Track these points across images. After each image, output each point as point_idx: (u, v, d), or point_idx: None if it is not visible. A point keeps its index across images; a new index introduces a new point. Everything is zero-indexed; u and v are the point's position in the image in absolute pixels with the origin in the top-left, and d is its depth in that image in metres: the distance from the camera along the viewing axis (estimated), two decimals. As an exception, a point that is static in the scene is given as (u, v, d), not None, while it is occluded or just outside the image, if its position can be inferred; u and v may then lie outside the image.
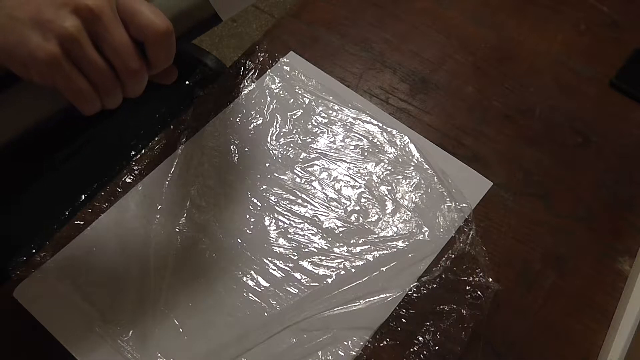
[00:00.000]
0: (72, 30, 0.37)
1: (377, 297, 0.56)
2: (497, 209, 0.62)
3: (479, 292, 0.57)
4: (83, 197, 0.61)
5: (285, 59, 0.71)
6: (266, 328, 0.54)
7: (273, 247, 0.59)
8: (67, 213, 0.60)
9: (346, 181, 0.63)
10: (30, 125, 0.42)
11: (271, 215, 0.60)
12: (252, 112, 0.67)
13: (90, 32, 0.38)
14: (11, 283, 0.56)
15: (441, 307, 0.56)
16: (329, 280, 0.57)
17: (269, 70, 0.70)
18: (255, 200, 0.61)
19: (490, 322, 0.56)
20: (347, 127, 0.66)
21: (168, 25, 0.40)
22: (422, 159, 0.64)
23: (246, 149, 0.64)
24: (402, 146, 0.65)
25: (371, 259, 0.58)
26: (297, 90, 0.69)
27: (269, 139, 0.65)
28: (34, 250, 0.58)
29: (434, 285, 0.57)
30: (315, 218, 0.60)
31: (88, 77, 0.39)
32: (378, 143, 0.65)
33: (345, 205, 0.61)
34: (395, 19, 0.76)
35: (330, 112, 0.67)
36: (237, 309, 0.55)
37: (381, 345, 0.54)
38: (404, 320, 0.56)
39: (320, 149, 0.65)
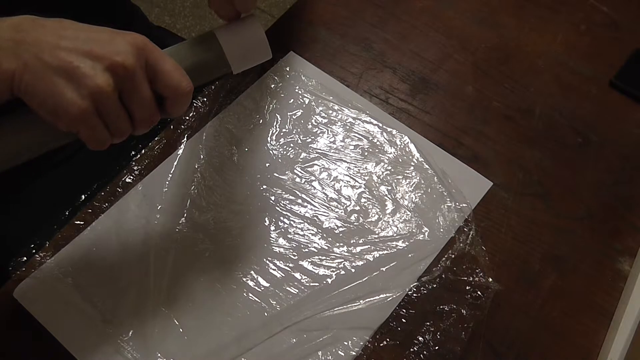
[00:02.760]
0: (107, 90, 0.38)
1: (377, 297, 0.56)
2: (497, 209, 0.62)
3: (479, 292, 0.57)
4: (83, 197, 0.61)
5: (285, 59, 0.71)
6: (266, 328, 0.54)
7: (273, 247, 0.59)
8: (67, 213, 0.60)
9: (346, 181, 0.63)
10: (40, 142, 0.43)
11: (271, 215, 0.60)
12: (252, 112, 0.67)
13: (118, 87, 0.39)
14: (11, 283, 0.56)
15: (441, 307, 0.56)
16: (329, 280, 0.57)
17: (269, 70, 0.70)
18: (255, 200, 0.61)
19: (490, 322, 0.56)
20: (347, 127, 0.66)
21: (191, 86, 0.42)
22: (422, 159, 0.64)
23: (246, 149, 0.64)
24: (402, 146, 0.65)
25: (371, 259, 0.58)
26: (297, 90, 0.69)
27: (269, 139, 0.65)
28: (34, 250, 0.58)
29: (434, 285, 0.57)
30: (315, 218, 0.60)
31: (109, 127, 0.41)
32: (378, 143, 0.65)
33: (345, 205, 0.61)
34: (395, 19, 0.76)
35: (330, 112, 0.67)
36: (237, 309, 0.55)
37: (381, 345, 0.54)
38: (404, 320, 0.56)
39: (320, 149, 0.65)
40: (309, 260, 0.58)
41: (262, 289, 0.56)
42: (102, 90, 0.38)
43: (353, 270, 0.58)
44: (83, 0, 0.68)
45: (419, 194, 0.62)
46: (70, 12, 0.65)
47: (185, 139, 0.65)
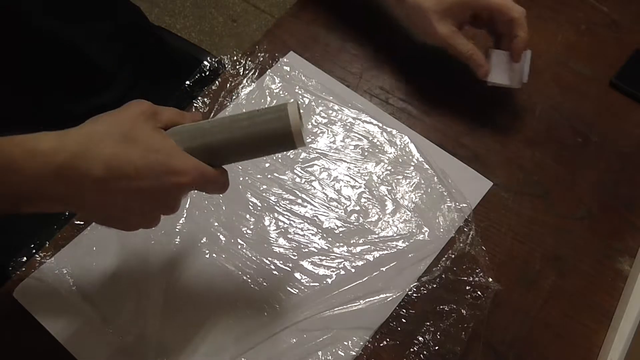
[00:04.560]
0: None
1: (377, 297, 0.56)
2: (497, 209, 0.62)
3: (479, 292, 0.57)
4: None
5: (285, 59, 0.71)
6: (266, 328, 0.54)
7: (273, 247, 0.59)
8: (67, 213, 0.60)
9: (346, 181, 0.63)
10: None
11: (271, 215, 0.60)
12: (252, 112, 0.67)
13: None
14: (11, 283, 0.56)
15: (441, 307, 0.56)
16: (329, 280, 0.57)
17: (269, 70, 0.70)
18: (255, 200, 0.61)
19: (490, 322, 0.56)
20: (347, 127, 0.66)
21: (227, 187, 0.48)
22: (422, 159, 0.64)
23: (246, 149, 0.64)
24: (402, 146, 0.65)
25: (371, 259, 0.58)
26: (297, 90, 0.69)
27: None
28: (34, 250, 0.58)
29: (434, 285, 0.57)
30: (315, 218, 0.60)
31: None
32: (378, 143, 0.65)
33: (345, 205, 0.61)
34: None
35: (330, 112, 0.67)
36: (237, 309, 0.55)
37: (381, 345, 0.54)
38: (404, 320, 0.56)
39: (320, 149, 0.65)
40: (309, 260, 0.58)
41: (262, 289, 0.56)
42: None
43: (353, 270, 0.58)
44: (84, 0, 0.68)
45: (419, 194, 0.62)
46: (72, 11, 0.65)
47: (185, 139, 0.64)
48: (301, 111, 0.45)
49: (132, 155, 0.41)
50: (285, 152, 0.64)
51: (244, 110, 0.67)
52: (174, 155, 0.43)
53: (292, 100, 0.44)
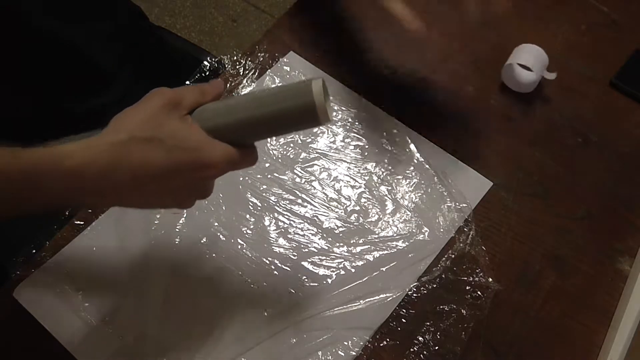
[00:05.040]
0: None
1: (377, 297, 0.56)
2: (497, 209, 0.62)
3: (479, 292, 0.57)
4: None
5: (285, 59, 0.71)
6: (266, 328, 0.54)
7: (273, 247, 0.59)
8: (67, 213, 0.60)
9: (346, 181, 0.63)
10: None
11: (271, 215, 0.60)
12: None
13: None
14: (11, 283, 0.56)
15: (441, 307, 0.56)
16: (329, 280, 0.57)
17: (269, 70, 0.70)
18: (255, 200, 0.61)
19: (490, 322, 0.56)
20: (347, 127, 0.66)
21: (256, 160, 0.48)
22: (422, 159, 0.64)
23: (246, 149, 0.64)
24: (402, 146, 0.65)
25: (371, 259, 0.58)
26: (297, 90, 0.68)
27: (269, 139, 0.65)
28: (34, 250, 0.58)
29: (434, 285, 0.57)
30: (315, 218, 0.60)
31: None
32: (378, 143, 0.65)
33: (345, 205, 0.61)
34: (395, 19, 0.75)
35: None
36: (238, 309, 0.55)
37: (381, 345, 0.54)
38: (404, 320, 0.56)
39: (320, 149, 0.65)
40: (309, 260, 0.58)
41: (262, 288, 0.56)
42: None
43: (353, 270, 0.58)
44: (83, 0, 0.68)
45: (419, 194, 0.62)
46: (72, 11, 0.65)
47: (185, 139, 0.64)
48: (327, 88, 0.45)
49: (158, 160, 0.41)
50: (285, 152, 0.64)
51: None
52: (202, 149, 0.43)
53: (318, 78, 0.44)
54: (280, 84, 0.46)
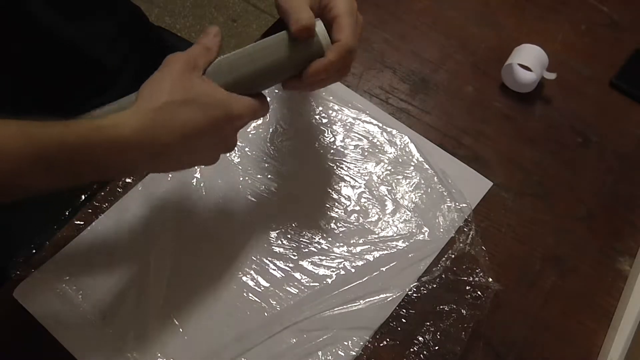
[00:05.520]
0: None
1: (377, 297, 0.56)
2: (497, 209, 0.62)
3: (479, 292, 0.57)
4: (83, 197, 0.61)
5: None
6: (266, 328, 0.54)
7: (273, 247, 0.59)
8: (67, 213, 0.60)
9: (346, 181, 0.63)
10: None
11: (271, 215, 0.60)
12: (252, 112, 0.67)
13: None
14: (11, 283, 0.56)
15: (441, 307, 0.56)
16: (329, 280, 0.57)
17: (269, 70, 0.70)
18: (255, 200, 0.61)
19: (490, 322, 0.56)
20: (347, 127, 0.66)
21: (268, 109, 0.52)
22: (422, 159, 0.64)
23: (246, 149, 0.64)
24: (402, 146, 0.65)
25: (371, 259, 0.58)
26: (297, 90, 0.68)
27: (269, 139, 0.65)
28: (34, 250, 0.58)
29: (434, 285, 0.57)
30: (315, 218, 0.60)
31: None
32: (378, 143, 0.65)
33: (345, 205, 0.61)
34: (395, 19, 0.76)
35: (330, 112, 0.67)
36: (237, 309, 0.55)
37: (381, 345, 0.54)
38: (404, 320, 0.56)
39: (320, 149, 0.65)
40: (309, 260, 0.58)
41: (262, 289, 0.56)
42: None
43: (353, 270, 0.58)
44: (83, 0, 0.68)
45: (419, 194, 0.62)
46: (72, 11, 0.65)
47: (185, 139, 0.64)
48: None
49: (198, 117, 0.44)
50: (284, 152, 0.64)
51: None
52: (229, 103, 0.46)
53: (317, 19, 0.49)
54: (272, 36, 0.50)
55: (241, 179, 0.62)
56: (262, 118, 0.66)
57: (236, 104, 0.47)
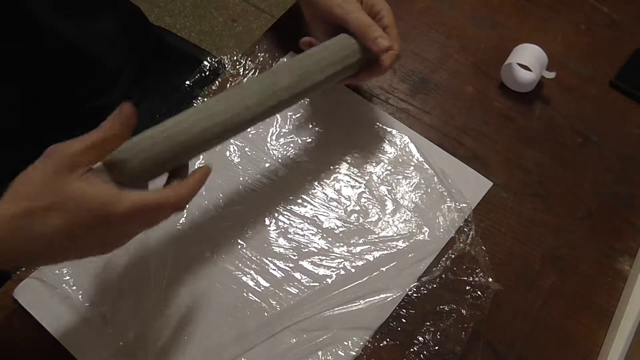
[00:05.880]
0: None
1: (377, 297, 0.56)
2: (497, 209, 0.62)
3: (479, 292, 0.57)
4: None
5: (285, 59, 0.71)
6: (266, 328, 0.54)
7: (273, 247, 0.59)
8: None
9: (346, 181, 0.63)
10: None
11: (271, 215, 0.60)
12: (252, 112, 0.67)
13: None
14: (11, 283, 0.56)
15: (441, 307, 0.56)
16: (329, 280, 0.57)
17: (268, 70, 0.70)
18: (255, 200, 0.61)
19: (490, 322, 0.56)
20: (347, 127, 0.66)
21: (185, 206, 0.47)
22: (422, 159, 0.64)
23: (246, 149, 0.64)
24: (402, 146, 0.65)
25: (371, 259, 0.58)
26: (297, 90, 0.68)
27: (269, 139, 0.65)
28: (33, 251, 0.58)
29: (434, 285, 0.57)
30: (315, 218, 0.60)
31: None
32: (378, 143, 0.65)
33: (345, 205, 0.61)
34: (395, 19, 0.75)
35: (330, 112, 0.67)
36: (237, 309, 0.55)
37: (381, 345, 0.54)
38: (404, 320, 0.56)
39: (320, 149, 0.65)
40: (309, 260, 0.58)
41: (262, 289, 0.56)
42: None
43: (353, 270, 0.58)
44: (84, 0, 0.68)
45: (419, 194, 0.62)
46: (73, 11, 0.65)
47: (185, 139, 0.64)
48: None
49: (62, 226, 0.40)
50: (285, 152, 0.64)
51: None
52: (110, 204, 0.41)
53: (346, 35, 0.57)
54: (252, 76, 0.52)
55: (241, 179, 0.62)
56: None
57: (117, 204, 0.41)
